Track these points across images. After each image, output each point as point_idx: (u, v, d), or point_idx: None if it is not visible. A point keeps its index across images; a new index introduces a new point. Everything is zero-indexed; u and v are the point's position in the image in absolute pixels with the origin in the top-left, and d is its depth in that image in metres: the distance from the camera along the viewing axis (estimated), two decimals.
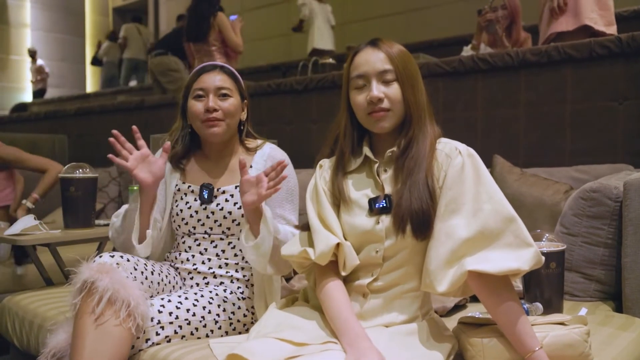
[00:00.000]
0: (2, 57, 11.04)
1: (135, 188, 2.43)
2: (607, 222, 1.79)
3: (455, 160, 1.26)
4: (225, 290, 1.63)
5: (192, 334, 1.51)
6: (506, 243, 1.18)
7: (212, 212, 1.66)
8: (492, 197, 1.21)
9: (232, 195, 1.67)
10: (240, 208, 1.64)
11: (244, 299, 1.65)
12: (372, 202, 1.31)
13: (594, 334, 1.33)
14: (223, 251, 1.67)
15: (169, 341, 1.47)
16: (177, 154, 1.73)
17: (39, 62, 10.75)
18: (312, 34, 6.14)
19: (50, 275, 2.28)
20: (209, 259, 1.66)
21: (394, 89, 1.30)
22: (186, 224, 1.68)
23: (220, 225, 1.66)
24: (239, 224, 1.65)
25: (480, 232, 1.19)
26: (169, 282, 1.63)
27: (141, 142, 1.61)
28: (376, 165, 1.34)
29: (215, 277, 1.66)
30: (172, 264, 1.71)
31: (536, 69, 2.52)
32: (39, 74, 10.70)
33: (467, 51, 3.87)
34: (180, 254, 1.70)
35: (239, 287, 1.66)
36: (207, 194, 1.67)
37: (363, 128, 1.36)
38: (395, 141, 1.33)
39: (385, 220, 1.28)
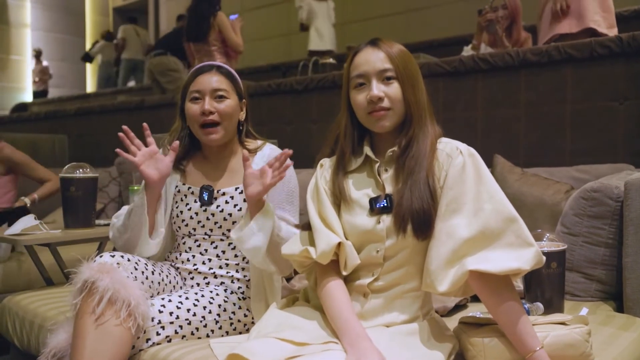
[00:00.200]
0: (2, 57, 11.03)
1: (135, 188, 2.44)
2: (608, 222, 1.79)
3: (456, 160, 1.26)
4: (226, 290, 1.63)
5: (192, 333, 1.51)
6: (507, 243, 1.18)
7: (212, 214, 1.66)
8: (493, 197, 1.21)
9: (232, 197, 1.66)
10: (240, 210, 1.64)
11: (244, 299, 1.64)
12: (373, 201, 1.31)
13: (595, 334, 1.33)
14: (223, 252, 1.67)
15: (169, 341, 1.47)
16: (177, 155, 1.72)
17: (45, 63, 10.76)
18: (310, 36, 6.13)
19: (50, 275, 2.28)
20: (210, 260, 1.66)
21: (394, 88, 1.30)
22: (186, 225, 1.68)
23: (220, 227, 1.66)
24: None
25: (481, 232, 1.19)
26: (170, 282, 1.63)
27: (150, 140, 1.63)
28: (377, 164, 1.34)
29: (215, 277, 1.65)
30: (173, 264, 1.71)
31: (536, 69, 2.52)
32: (43, 74, 10.70)
33: (467, 51, 3.87)
34: (180, 254, 1.69)
35: (239, 287, 1.66)
36: (207, 196, 1.67)
37: (364, 128, 1.36)
38: (395, 141, 1.33)
39: (386, 220, 1.28)
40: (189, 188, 1.70)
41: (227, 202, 1.66)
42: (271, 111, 3.51)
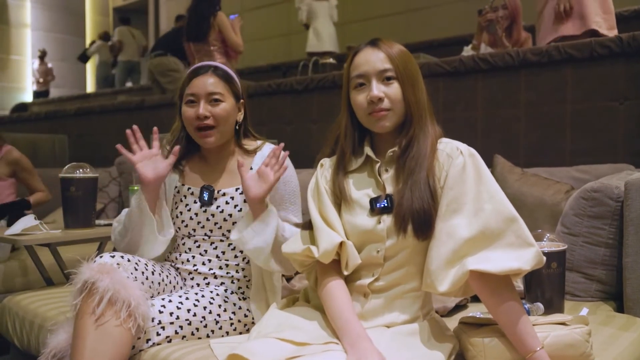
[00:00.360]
0: (2, 57, 11.03)
1: (135, 188, 2.44)
2: (608, 222, 1.79)
3: (457, 160, 1.26)
4: (226, 291, 1.63)
5: (192, 334, 1.51)
6: (507, 243, 1.18)
7: (212, 215, 1.66)
8: (493, 197, 1.21)
9: (232, 198, 1.66)
10: (240, 211, 1.64)
11: (244, 299, 1.64)
12: (373, 201, 1.31)
13: (595, 334, 1.33)
14: (223, 252, 1.66)
15: (169, 341, 1.47)
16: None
17: (49, 65, 10.76)
18: (308, 37, 6.12)
19: (50, 275, 2.28)
20: (210, 260, 1.66)
21: (394, 89, 1.30)
22: (186, 226, 1.68)
23: (220, 227, 1.66)
24: None
25: (482, 232, 1.19)
26: (170, 283, 1.63)
27: (156, 143, 1.64)
28: (377, 165, 1.34)
29: (215, 277, 1.65)
30: (173, 264, 1.71)
31: (536, 69, 2.52)
32: (47, 75, 10.70)
33: (467, 51, 3.88)
34: (180, 255, 1.69)
35: (239, 288, 1.66)
36: (208, 196, 1.66)
37: (364, 128, 1.36)
38: (396, 141, 1.33)
39: (387, 220, 1.28)
40: (189, 189, 1.70)
41: (227, 203, 1.66)
42: (271, 111, 3.51)
